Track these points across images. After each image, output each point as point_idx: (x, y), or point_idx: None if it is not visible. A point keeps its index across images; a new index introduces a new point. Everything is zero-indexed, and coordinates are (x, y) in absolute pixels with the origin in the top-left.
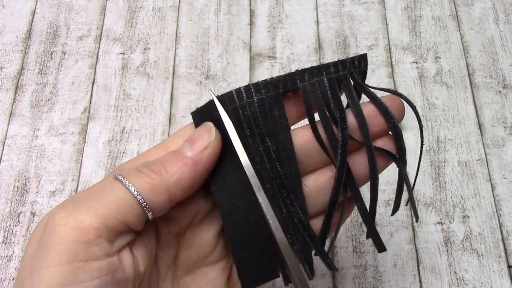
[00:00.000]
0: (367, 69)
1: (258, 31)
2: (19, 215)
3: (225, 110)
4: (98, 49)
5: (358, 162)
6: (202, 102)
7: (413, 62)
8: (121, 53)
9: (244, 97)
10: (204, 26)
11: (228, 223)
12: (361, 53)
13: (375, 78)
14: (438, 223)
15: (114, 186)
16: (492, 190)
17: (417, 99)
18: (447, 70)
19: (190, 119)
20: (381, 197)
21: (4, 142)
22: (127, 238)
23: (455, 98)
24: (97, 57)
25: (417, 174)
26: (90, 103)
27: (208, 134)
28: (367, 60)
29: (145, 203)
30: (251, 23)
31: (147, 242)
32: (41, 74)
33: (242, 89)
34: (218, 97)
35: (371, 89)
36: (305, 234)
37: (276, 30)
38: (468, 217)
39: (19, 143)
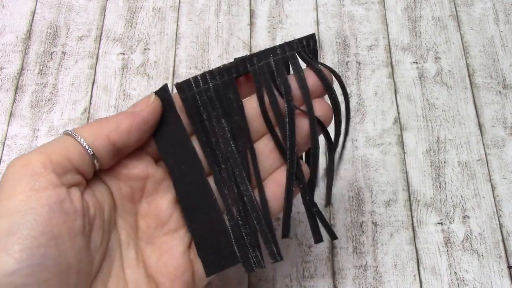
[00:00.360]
0: (317, 47)
1: (258, 32)
2: None
3: (184, 96)
4: (98, 49)
5: (300, 127)
6: None
7: (413, 62)
8: (121, 54)
9: (201, 84)
10: (204, 26)
11: (179, 189)
12: (310, 34)
13: (375, 78)
14: (438, 223)
15: (63, 136)
16: (492, 191)
17: (417, 99)
18: (447, 70)
19: None
20: (381, 197)
21: (4, 142)
22: (75, 178)
23: (455, 99)
24: (97, 58)
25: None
26: (90, 103)
27: (147, 98)
28: (315, 39)
29: (87, 145)
30: (251, 24)
31: (98, 195)
32: (41, 74)
33: (198, 76)
34: (177, 84)
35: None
36: (254, 215)
37: (276, 30)
38: (468, 217)
39: (19, 143)
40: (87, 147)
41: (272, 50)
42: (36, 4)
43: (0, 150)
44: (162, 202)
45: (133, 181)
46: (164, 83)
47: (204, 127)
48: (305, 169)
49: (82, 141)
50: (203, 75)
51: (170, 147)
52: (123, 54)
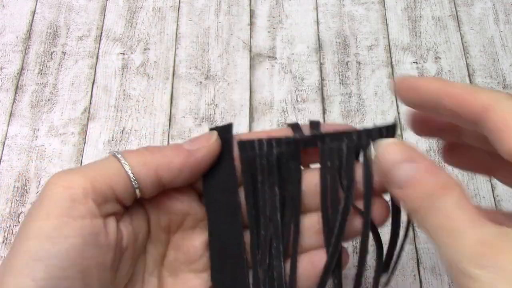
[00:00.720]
0: (395, 136)
1: (258, 31)
2: (19, 215)
3: (245, 155)
4: (98, 49)
5: (352, 223)
6: (202, 103)
7: (413, 62)
8: (121, 53)
9: (265, 148)
10: (204, 26)
11: (213, 237)
12: (391, 123)
13: (375, 78)
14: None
15: (109, 158)
16: (492, 191)
17: None
18: (447, 70)
19: (189, 120)
20: None
21: (4, 142)
22: (114, 207)
23: None
24: (97, 57)
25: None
26: (90, 103)
27: (208, 137)
28: (395, 129)
29: (132, 174)
30: (251, 23)
31: (135, 223)
32: (41, 74)
33: (264, 140)
34: (241, 142)
35: None
36: None
37: (276, 30)
38: None
39: (19, 143)
40: (132, 176)
41: (347, 135)
42: (36, 4)
43: (0, 150)
44: (197, 240)
45: (174, 214)
46: (228, 123)
47: (255, 188)
48: (345, 258)
49: (127, 169)
50: (269, 140)
51: (216, 192)
52: (123, 54)
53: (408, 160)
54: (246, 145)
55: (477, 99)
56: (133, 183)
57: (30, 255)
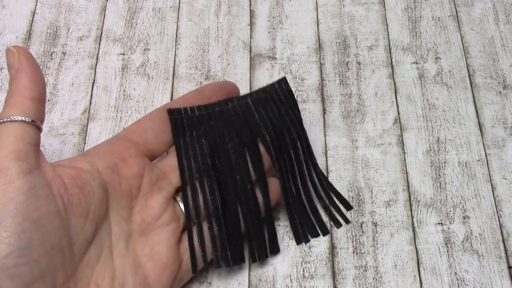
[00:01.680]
0: (289, 87)
1: (258, 32)
2: None
3: (175, 117)
4: (98, 49)
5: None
6: None
7: (413, 62)
8: (121, 54)
9: (189, 112)
10: (204, 26)
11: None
12: (281, 77)
13: (375, 78)
14: (439, 223)
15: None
16: (493, 191)
17: (417, 99)
18: (447, 70)
19: None
20: (382, 197)
21: None
22: (35, 151)
23: (455, 99)
24: (97, 58)
25: None
26: (90, 103)
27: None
28: (286, 81)
29: (22, 118)
30: (251, 24)
31: (87, 188)
32: None
33: (187, 108)
34: (168, 110)
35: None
36: (217, 222)
37: (276, 30)
38: (469, 217)
39: None
40: (24, 119)
41: (249, 94)
42: (36, 5)
43: None
44: (158, 198)
45: (132, 178)
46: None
47: (185, 142)
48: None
49: (15, 118)
50: (191, 107)
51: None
52: (123, 54)
53: None
54: (174, 111)
55: None
56: (29, 121)
57: None
